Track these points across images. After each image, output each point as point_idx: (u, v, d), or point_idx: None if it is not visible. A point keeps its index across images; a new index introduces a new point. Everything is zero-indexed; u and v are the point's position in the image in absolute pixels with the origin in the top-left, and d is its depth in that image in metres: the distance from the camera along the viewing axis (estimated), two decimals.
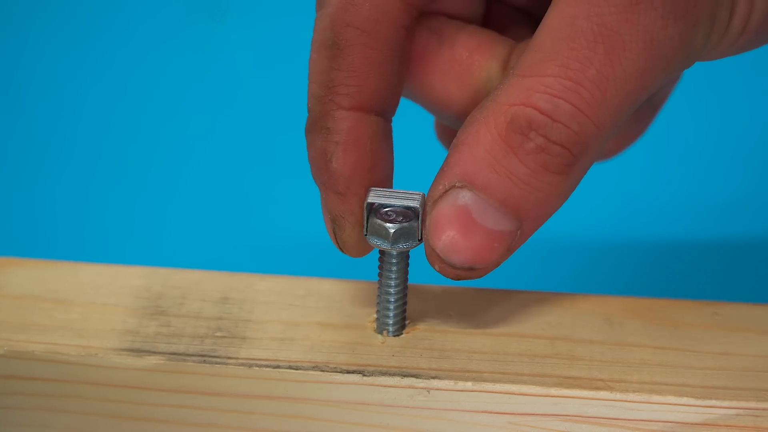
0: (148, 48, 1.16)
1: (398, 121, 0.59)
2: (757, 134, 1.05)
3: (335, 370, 0.57)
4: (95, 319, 0.59)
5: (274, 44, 1.15)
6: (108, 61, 1.15)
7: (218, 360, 0.57)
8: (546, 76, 0.52)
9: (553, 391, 0.56)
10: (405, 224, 0.55)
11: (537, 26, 0.53)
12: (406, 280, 0.58)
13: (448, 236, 0.54)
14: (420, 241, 0.56)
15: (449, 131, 0.65)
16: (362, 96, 0.56)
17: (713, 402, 0.56)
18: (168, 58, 1.15)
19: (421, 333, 0.59)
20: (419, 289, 0.61)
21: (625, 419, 0.56)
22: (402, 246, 0.56)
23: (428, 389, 0.57)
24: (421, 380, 0.57)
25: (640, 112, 0.63)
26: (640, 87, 0.52)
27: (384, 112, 0.57)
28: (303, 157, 0.57)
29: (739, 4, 0.53)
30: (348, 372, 0.57)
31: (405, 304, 0.59)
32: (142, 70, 1.14)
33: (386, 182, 0.57)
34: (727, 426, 0.56)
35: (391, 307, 0.58)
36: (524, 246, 0.55)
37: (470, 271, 0.54)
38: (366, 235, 0.56)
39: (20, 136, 1.08)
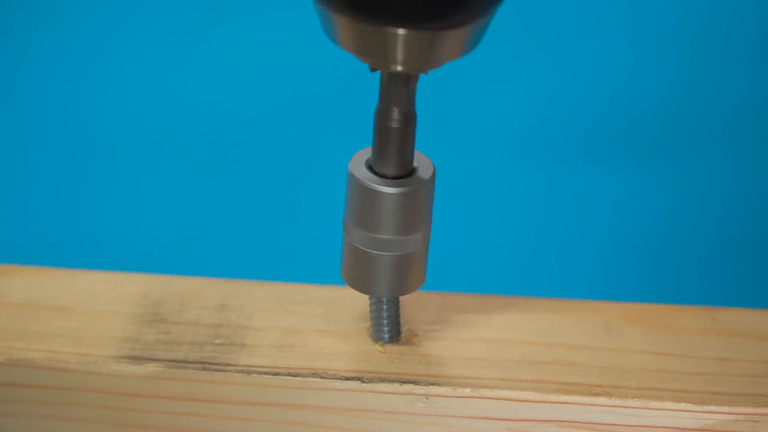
0: (146, 48, 1.16)
1: None
2: (761, 136, 1.05)
3: (334, 377, 0.57)
4: (95, 327, 0.59)
5: (274, 44, 1.15)
6: (106, 62, 1.15)
7: (217, 367, 0.57)
8: None
9: (551, 397, 0.56)
10: None
11: None
12: None
13: None
14: None
15: None
16: None
17: (712, 407, 0.56)
18: (166, 57, 1.15)
19: (419, 339, 0.59)
20: (417, 296, 0.61)
21: (623, 425, 0.56)
22: None
23: (427, 395, 0.57)
24: (420, 386, 0.57)
25: None
26: None
27: None
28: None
29: None
30: (347, 379, 0.57)
31: (398, 310, 0.58)
32: (140, 72, 1.14)
33: None
34: None
35: (384, 315, 0.58)
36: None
37: None
38: None
39: (20, 141, 1.08)
